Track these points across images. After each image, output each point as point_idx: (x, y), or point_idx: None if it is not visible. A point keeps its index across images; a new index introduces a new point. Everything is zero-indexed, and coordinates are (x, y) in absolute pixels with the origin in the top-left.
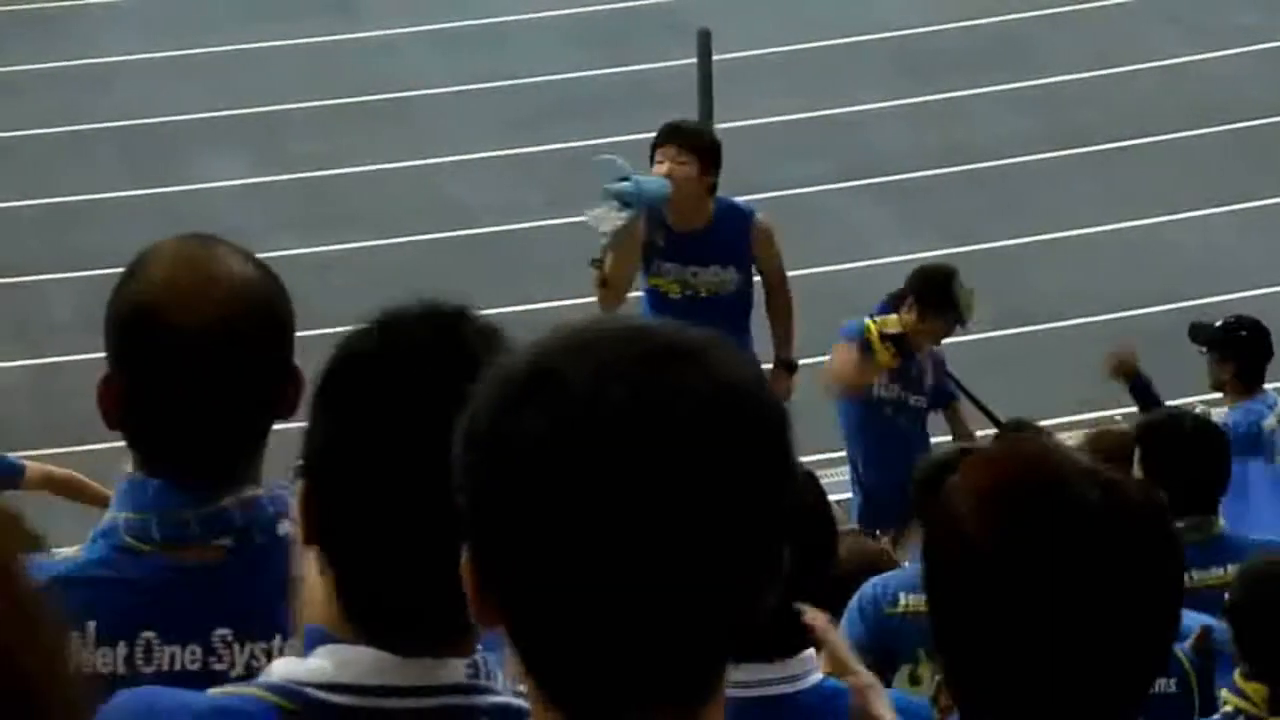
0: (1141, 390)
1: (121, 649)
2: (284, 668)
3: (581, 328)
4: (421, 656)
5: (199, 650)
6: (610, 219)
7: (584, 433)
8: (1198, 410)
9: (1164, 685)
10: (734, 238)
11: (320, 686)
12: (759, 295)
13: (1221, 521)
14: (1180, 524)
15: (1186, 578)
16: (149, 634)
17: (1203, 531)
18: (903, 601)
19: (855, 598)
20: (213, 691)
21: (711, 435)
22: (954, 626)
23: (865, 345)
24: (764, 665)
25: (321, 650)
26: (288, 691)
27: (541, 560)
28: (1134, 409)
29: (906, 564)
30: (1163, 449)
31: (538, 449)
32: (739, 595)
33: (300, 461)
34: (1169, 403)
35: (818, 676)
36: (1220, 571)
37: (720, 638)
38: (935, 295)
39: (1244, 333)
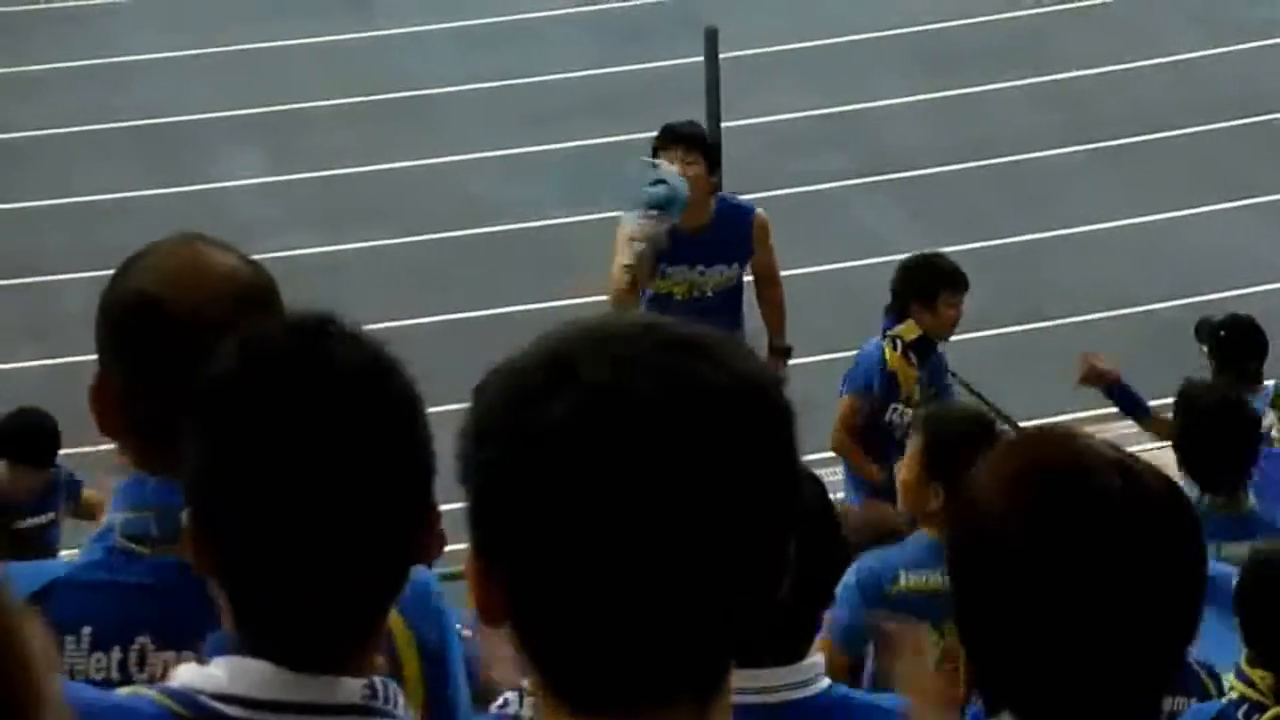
0: (1121, 395)
1: (115, 654)
2: (186, 674)
3: (590, 322)
4: (316, 673)
5: (193, 657)
6: (645, 224)
7: (608, 424)
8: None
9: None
10: (737, 235)
11: (214, 696)
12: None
13: (1251, 499)
14: (1209, 498)
15: (1215, 548)
16: (143, 639)
17: (1234, 506)
18: (903, 580)
19: (853, 572)
20: (121, 690)
21: (731, 425)
22: (976, 611)
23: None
24: (770, 671)
25: (219, 660)
26: (183, 698)
27: (561, 554)
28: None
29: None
30: (1191, 422)
31: (561, 441)
32: (752, 587)
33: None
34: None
35: (825, 683)
36: (1249, 547)
37: (731, 632)
38: (932, 280)
39: (1224, 332)
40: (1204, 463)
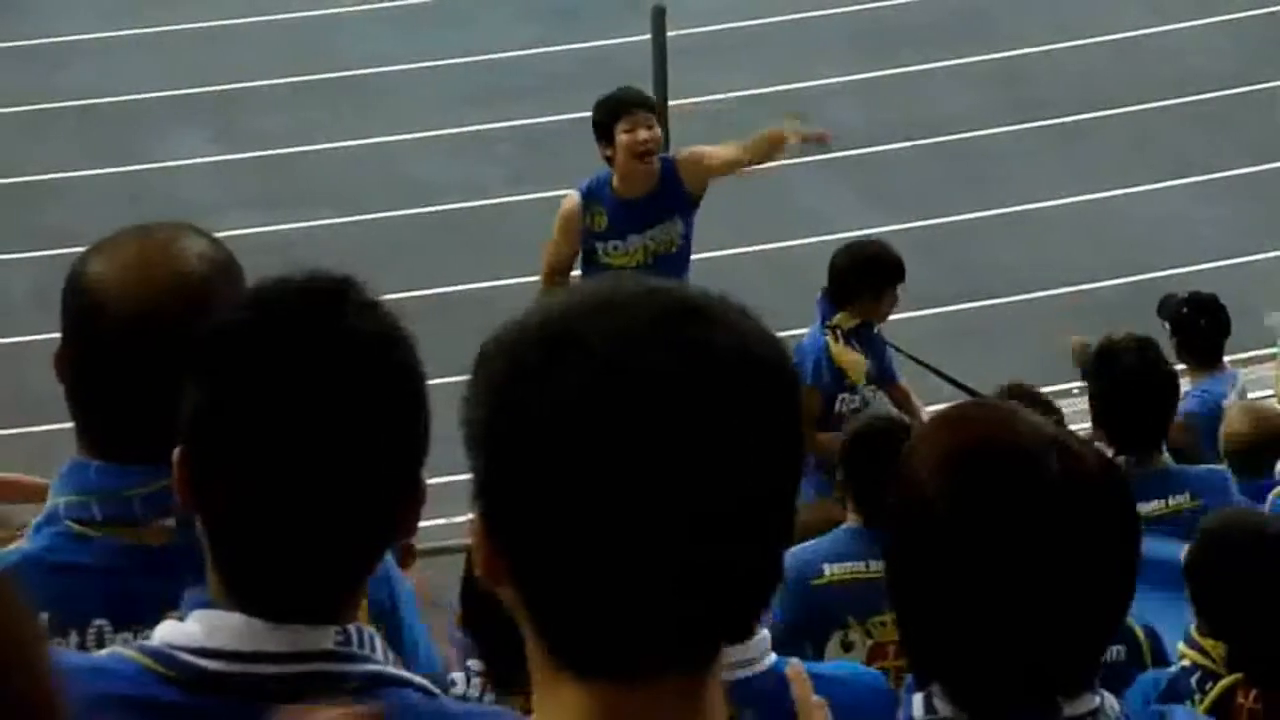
0: None
1: (74, 638)
2: (164, 631)
3: (594, 289)
4: (292, 624)
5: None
6: None
7: (619, 398)
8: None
9: (1113, 654)
10: (672, 186)
11: (191, 651)
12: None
13: (1165, 456)
14: (1123, 459)
15: None
16: (101, 621)
17: (1142, 466)
18: (827, 572)
19: None
20: (100, 652)
21: (744, 394)
22: (911, 588)
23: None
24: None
25: (195, 615)
26: (161, 655)
27: (567, 525)
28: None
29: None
30: (1105, 383)
31: (566, 413)
32: (760, 554)
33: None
34: None
35: (772, 659)
36: (1159, 504)
37: (741, 601)
38: (882, 275)
39: (1186, 310)
40: (1120, 422)
